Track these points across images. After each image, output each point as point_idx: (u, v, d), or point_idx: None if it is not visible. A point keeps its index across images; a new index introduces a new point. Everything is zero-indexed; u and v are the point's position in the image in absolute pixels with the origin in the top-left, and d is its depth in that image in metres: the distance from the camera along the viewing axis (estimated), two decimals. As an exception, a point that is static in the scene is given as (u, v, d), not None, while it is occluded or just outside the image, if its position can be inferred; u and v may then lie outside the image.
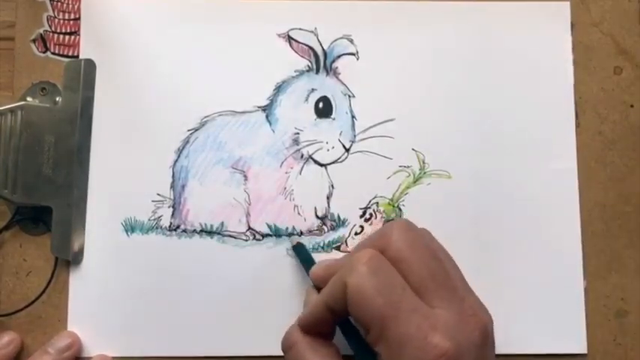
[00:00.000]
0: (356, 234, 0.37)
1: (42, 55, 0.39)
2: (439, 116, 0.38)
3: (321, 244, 0.37)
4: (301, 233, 0.37)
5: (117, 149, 0.38)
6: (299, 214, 0.38)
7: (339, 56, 0.39)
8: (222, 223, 0.38)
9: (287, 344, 0.31)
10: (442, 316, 0.27)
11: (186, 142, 0.38)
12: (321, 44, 0.39)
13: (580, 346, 0.37)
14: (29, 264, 0.37)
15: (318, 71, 0.39)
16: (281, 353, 0.36)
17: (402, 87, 0.39)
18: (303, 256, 0.36)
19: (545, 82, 0.39)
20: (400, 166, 0.38)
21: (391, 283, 0.27)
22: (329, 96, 0.38)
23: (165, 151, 0.38)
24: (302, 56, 0.39)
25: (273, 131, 0.38)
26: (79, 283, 0.37)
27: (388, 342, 0.26)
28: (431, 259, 0.29)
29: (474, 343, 0.27)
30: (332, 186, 0.38)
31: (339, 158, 0.38)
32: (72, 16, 0.39)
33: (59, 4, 0.39)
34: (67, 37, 0.39)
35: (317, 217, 0.38)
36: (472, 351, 0.27)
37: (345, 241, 0.37)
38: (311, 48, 0.39)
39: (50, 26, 0.39)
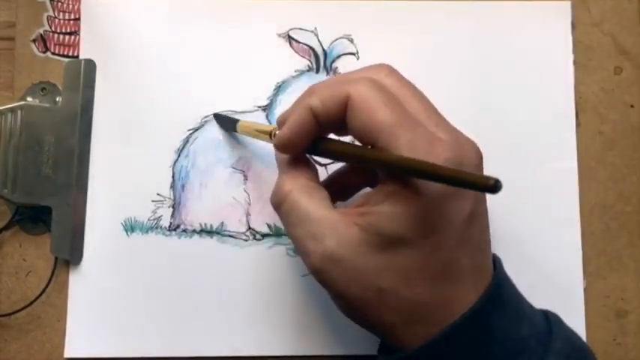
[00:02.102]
0: (356, 234, 0.37)
1: (42, 55, 0.39)
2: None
3: (321, 244, 0.37)
4: (301, 233, 0.37)
5: (117, 149, 0.38)
6: (299, 214, 0.38)
7: (339, 56, 0.39)
8: (222, 223, 0.38)
9: (279, 197, 0.29)
10: (443, 134, 0.27)
11: (186, 142, 0.38)
12: (321, 44, 0.39)
13: (580, 346, 0.37)
14: (29, 264, 0.37)
15: (318, 71, 0.39)
16: (281, 353, 0.36)
17: (402, 87, 0.39)
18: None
19: (545, 82, 0.39)
20: (400, 166, 0.38)
21: (395, 101, 0.27)
22: (329, 96, 0.38)
23: (165, 151, 0.38)
24: (302, 56, 0.39)
25: (273, 131, 0.38)
26: (79, 283, 0.37)
27: (398, 150, 0.25)
28: (421, 94, 0.29)
29: (472, 160, 0.27)
30: (332, 186, 0.38)
31: (339, 158, 0.38)
32: (72, 16, 0.39)
33: (59, 4, 0.39)
34: (67, 37, 0.39)
35: (317, 217, 0.38)
36: (472, 166, 0.27)
37: (345, 241, 0.37)
38: (311, 48, 0.39)
39: (50, 26, 0.39)
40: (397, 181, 0.26)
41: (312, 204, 0.28)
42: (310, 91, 0.29)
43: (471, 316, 0.26)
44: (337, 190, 0.33)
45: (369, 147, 0.28)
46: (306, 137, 0.29)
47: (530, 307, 0.29)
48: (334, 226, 0.27)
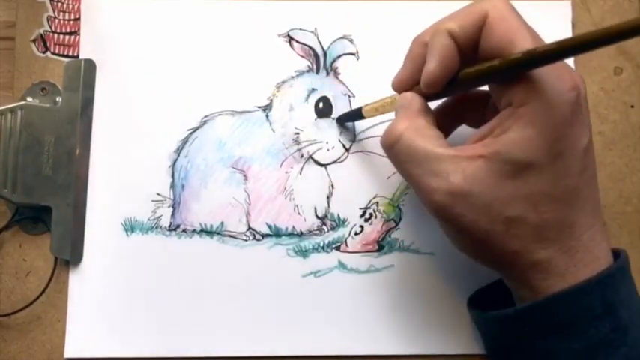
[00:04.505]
0: (356, 234, 0.37)
1: (42, 55, 0.39)
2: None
3: (321, 244, 0.37)
4: (301, 233, 0.37)
5: (117, 149, 0.38)
6: (299, 214, 0.38)
7: (339, 56, 0.39)
8: (222, 223, 0.38)
9: (392, 138, 0.29)
10: (567, 65, 0.27)
11: (186, 142, 0.38)
12: (321, 44, 0.39)
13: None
14: (29, 264, 0.37)
15: (318, 71, 0.39)
16: (281, 353, 0.36)
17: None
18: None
19: (545, 82, 0.39)
20: (400, 166, 0.38)
21: (529, 24, 0.28)
22: (329, 96, 0.38)
23: (165, 151, 0.38)
24: (302, 56, 0.39)
25: (273, 131, 0.38)
26: (79, 283, 0.37)
27: (537, 74, 0.26)
28: (533, 31, 0.29)
29: (584, 92, 0.28)
30: (332, 186, 0.38)
31: (339, 158, 0.38)
32: (72, 16, 0.39)
33: (59, 4, 0.39)
34: (67, 37, 0.39)
35: (317, 217, 0.38)
36: (585, 97, 0.28)
37: (345, 241, 0.37)
38: (311, 48, 0.39)
39: (50, 26, 0.39)
40: (522, 105, 0.26)
41: (430, 143, 0.28)
42: (442, 19, 0.29)
43: (607, 274, 0.27)
44: (447, 125, 0.33)
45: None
46: (453, 67, 0.28)
47: None
48: (457, 161, 0.27)
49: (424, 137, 0.29)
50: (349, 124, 0.38)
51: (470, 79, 0.28)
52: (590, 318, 0.27)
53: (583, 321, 0.27)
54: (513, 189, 0.27)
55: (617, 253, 0.29)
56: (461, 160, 0.27)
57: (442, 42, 0.28)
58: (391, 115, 0.32)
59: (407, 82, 0.31)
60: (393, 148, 0.29)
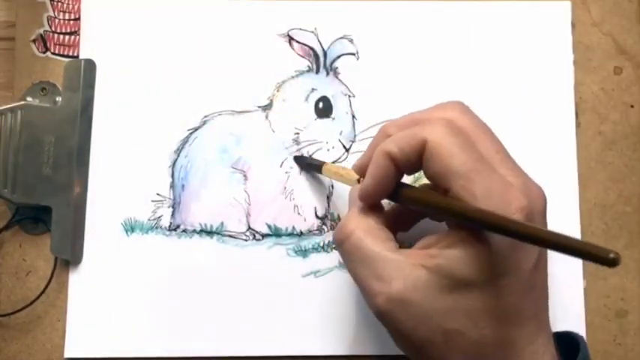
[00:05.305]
0: (356, 234, 0.37)
1: (42, 55, 0.39)
2: (439, 116, 0.38)
3: (321, 244, 0.37)
4: (301, 233, 0.37)
5: (117, 149, 0.38)
6: (299, 214, 0.38)
7: (339, 56, 0.39)
8: (222, 223, 0.38)
9: (343, 235, 0.29)
10: (514, 178, 0.27)
11: (186, 141, 0.38)
12: (321, 44, 0.39)
13: (580, 346, 0.37)
14: (29, 264, 0.37)
15: (318, 71, 0.39)
16: (281, 353, 0.36)
17: (402, 87, 0.39)
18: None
19: (545, 82, 0.39)
20: (400, 166, 0.38)
21: (471, 144, 0.27)
22: (329, 96, 0.38)
23: (165, 151, 0.38)
24: (302, 56, 0.39)
25: (273, 131, 0.38)
26: (79, 283, 0.37)
27: (475, 196, 0.26)
28: (492, 134, 0.29)
29: (540, 207, 0.28)
30: (332, 186, 0.38)
31: (339, 158, 0.38)
32: (72, 16, 0.39)
33: (59, 4, 0.39)
34: (67, 37, 0.39)
35: (317, 217, 0.38)
36: (540, 213, 0.28)
37: (345, 241, 0.37)
38: (311, 48, 0.39)
39: (50, 26, 0.39)
40: (468, 227, 0.27)
41: (378, 245, 0.28)
42: (384, 133, 0.30)
43: None
44: (399, 221, 0.33)
45: (445, 191, 0.27)
46: (389, 186, 0.29)
47: None
48: (401, 267, 0.27)
49: (373, 238, 0.29)
50: (349, 123, 0.38)
51: (411, 200, 0.29)
52: None
53: None
54: (453, 303, 0.26)
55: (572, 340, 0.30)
56: (405, 267, 0.27)
57: (380, 163, 0.29)
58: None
59: (364, 170, 0.31)
60: (342, 245, 0.29)
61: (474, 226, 0.26)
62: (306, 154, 0.38)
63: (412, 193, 0.29)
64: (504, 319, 0.27)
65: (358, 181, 0.32)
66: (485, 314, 0.26)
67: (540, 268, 0.28)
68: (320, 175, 0.37)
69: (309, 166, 0.37)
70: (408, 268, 0.27)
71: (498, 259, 0.26)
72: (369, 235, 0.29)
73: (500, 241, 0.26)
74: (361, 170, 0.32)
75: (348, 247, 0.29)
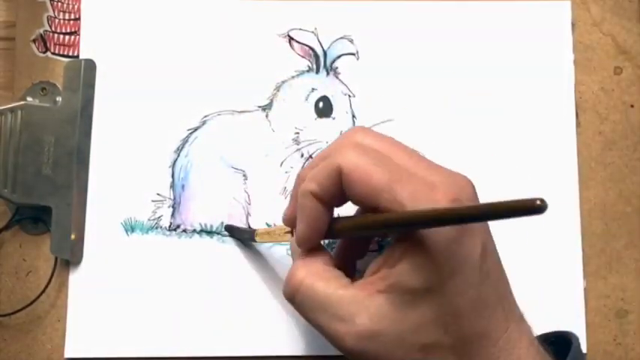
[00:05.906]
0: (356, 234, 0.37)
1: (42, 55, 0.39)
2: (438, 116, 0.38)
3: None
4: (301, 233, 0.37)
5: (117, 149, 0.38)
6: (299, 214, 0.38)
7: (339, 56, 0.39)
8: (222, 223, 0.38)
9: (292, 287, 0.29)
10: (436, 177, 0.27)
11: (186, 141, 0.38)
12: (321, 44, 0.39)
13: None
14: (29, 264, 0.37)
15: (318, 71, 0.39)
16: (280, 353, 0.36)
17: (402, 87, 0.39)
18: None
19: (545, 82, 0.39)
20: (400, 166, 0.38)
21: (383, 158, 0.27)
22: (329, 96, 0.38)
23: (165, 151, 0.38)
24: (302, 56, 0.39)
25: (273, 131, 0.38)
26: (79, 283, 0.37)
27: (402, 204, 0.26)
28: (399, 143, 0.29)
29: (470, 195, 0.27)
30: (332, 186, 0.38)
31: (339, 158, 0.38)
32: (72, 16, 0.39)
33: (59, 4, 0.39)
34: (67, 37, 0.39)
35: (317, 217, 0.38)
36: (470, 200, 0.27)
37: (345, 241, 0.37)
38: (311, 48, 0.39)
39: (50, 26, 0.39)
40: (407, 237, 0.27)
41: (330, 286, 0.28)
42: (301, 179, 0.30)
43: None
44: (352, 252, 0.33)
45: (374, 210, 0.27)
46: (322, 224, 0.29)
47: None
48: (359, 301, 0.27)
49: (324, 280, 0.28)
50: (349, 123, 0.38)
51: (346, 231, 0.29)
52: None
53: None
54: (419, 316, 0.26)
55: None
56: (363, 299, 0.27)
57: (307, 204, 0.28)
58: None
59: (294, 220, 0.30)
60: (295, 297, 0.29)
61: (409, 230, 0.26)
62: (306, 154, 0.38)
63: (345, 224, 0.29)
64: (470, 314, 0.26)
65: (292, 233, 0.31)
66: (451, 316, 0.26)
67: (488, 254, 0.27)
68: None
69: (241, 235, 0.37)
70: (366, 300, 0.27)
71: (445, 258, 0.26)
72: (319, 279, 0.28)
73: (441, 241, 0.26)
74: (291, 221, 0.31)
75: (301, 298, 0.29)
